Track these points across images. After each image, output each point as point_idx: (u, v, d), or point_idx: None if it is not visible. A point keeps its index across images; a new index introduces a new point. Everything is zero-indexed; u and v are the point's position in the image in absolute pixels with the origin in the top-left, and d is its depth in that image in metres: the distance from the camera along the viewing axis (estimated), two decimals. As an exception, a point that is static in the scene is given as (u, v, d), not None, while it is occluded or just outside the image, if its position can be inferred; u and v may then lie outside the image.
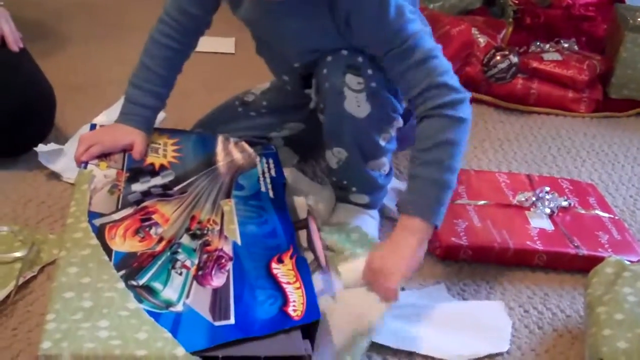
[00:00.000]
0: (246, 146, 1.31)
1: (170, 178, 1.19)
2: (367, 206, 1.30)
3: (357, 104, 1.16)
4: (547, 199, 1.37)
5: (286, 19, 1.17)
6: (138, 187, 1.16)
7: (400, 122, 1.23)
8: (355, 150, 1.22)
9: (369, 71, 1.15)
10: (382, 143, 1.22)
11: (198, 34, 1.32)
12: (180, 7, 1.28)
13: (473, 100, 1.80)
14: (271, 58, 1.33)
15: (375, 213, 1.31)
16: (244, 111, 1.43)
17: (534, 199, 1.37)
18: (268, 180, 1.22)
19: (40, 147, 1.39)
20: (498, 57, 1.78)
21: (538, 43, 1.97)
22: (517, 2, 1.83)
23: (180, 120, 1.50)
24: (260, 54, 1.34)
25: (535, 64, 1.88)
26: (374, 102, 1.17)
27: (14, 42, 1.44)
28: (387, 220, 1.33)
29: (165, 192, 1.16)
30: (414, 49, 1.09)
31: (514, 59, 1.79)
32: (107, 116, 1.50)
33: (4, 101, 1.36)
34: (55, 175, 1.38)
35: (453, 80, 1.09)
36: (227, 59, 1.98)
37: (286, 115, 1.42)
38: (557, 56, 1.91)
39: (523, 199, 1.37)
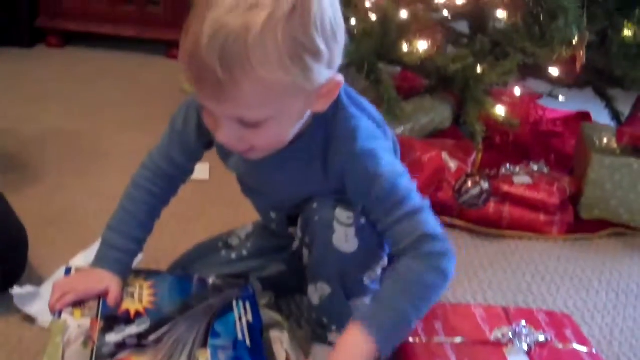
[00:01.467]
0: (224, 286, 1.30)
1: (146, 326, 1.18)
2: None
3: (345, 239, 1.17)
4: (524, 334, 1.36)
5: (278, 172, 1.19)
6: (112, 337, 1.14)
7: (385, 261, 1.24)
8: (339, 286, 1.22)
9: (360, 206, 1.17)
10: (367, 282, 1.22)
11: (180, 182, 1.34)
12: (167, 154, 1.29)
13: (446, 225, 1.86)
14: (259, 200, 1.35)
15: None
16: (226, 254, 1.44)
17: (510, 334, 1.36)
18: (245, 326, 1.21)
19: (16, 290, 1.38)
20: (469, 184, 1.81)
21: (508, 166, 2.00)
22: (488, 130, 1.86)
23: (154, 253, 1.50)
24: (246, 195, 1.36)
25: (506, 188, 1.91)
26: (362, 237, 1.18)
27: None
28: None
29: (140, 342, 1.14)
30: (403, 204, 1.12)
31: (485, 185, 1.81)
32: (85, 258, 1.48)
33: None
34: (29, 319, 1.36)
35: (436, 230, 1.12)
36: (201, 186, 1.99)
37: (268, 258, 1.42)
38: (527, 179, 1.94)
39: (500, 335, 1.36)
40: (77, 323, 1.17)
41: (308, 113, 1.11)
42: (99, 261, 1.27)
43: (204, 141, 1.27)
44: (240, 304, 1.27)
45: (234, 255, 1.43)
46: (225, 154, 1.26)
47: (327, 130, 1.15)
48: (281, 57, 0.97)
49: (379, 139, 1.17)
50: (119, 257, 1.27)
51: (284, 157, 1.15)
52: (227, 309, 1.25)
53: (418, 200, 1.14)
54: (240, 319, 1.23)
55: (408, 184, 1.14)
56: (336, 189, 1.17)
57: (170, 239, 1.50)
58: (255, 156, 1.13)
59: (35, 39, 3.21)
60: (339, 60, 1.06)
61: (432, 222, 1.13)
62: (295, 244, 1.29)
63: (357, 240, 1.17)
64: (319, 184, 1.18)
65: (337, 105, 1.14)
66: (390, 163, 1.15)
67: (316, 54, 1.01)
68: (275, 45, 0.96)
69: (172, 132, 1.29)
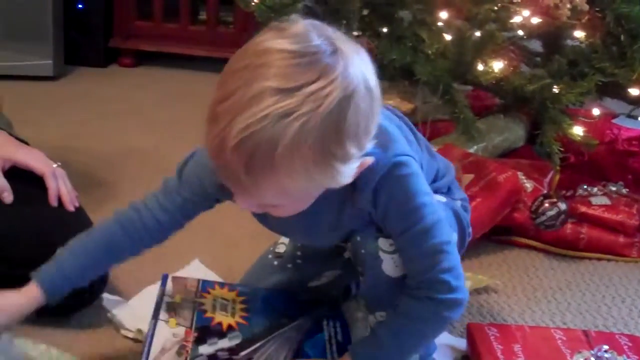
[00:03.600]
0: (313, 303, 1.32)
1: (237, 341, 1.21)
2: None
3: (394, 265, 1.16)
4: (607, 358, 1.34)
5: (312, 225, 1.17)
6: (205, 349, 1.18)
7: None
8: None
9: None
10: None
11: (166, 234, 1.27)
12: (162, 205, 1.23)
13: (522, 246, 1.84)
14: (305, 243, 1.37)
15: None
16: (280, 264, 1.43)
17: (593, 359, 1.34)
18: (334, 347, 1.22)
19: (106, 295, 1.42)
20: (546, 205, 1.79)
21: (585, 187, 1.97)
22: (563, 149, 1.84)
23: (229, 272, 1.51)
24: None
25: (583, 209, 1.88)
26: None
27: (70, 202, 1.47)
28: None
29: (231, 357, 1.17)
30: (427, 236, 1.10)
31: (563, 206, 1.79)
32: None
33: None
34: (107, 334, 1.39)
35: (456, 279, 1.11)
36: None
37: (323, 264, 1.42)
38: (605, 200, 1.91)
39: (582, 359, 1.34)
40: (172, 332, 1.20)
41: None
42: (38, 272, 1.22)
43: (222, 196, 1.20)
44: (331, 323, 1.27)
45: (289, 265, 1.42)
46: (260, 217, 1.22)
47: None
48: (308, 169, 0.93)
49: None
50: (58, 276, 1.21)
51: (313, 212, 1.10)
52: (317, 328, 1.26)
53: (443, 237, 1.11)
54: (329, 339, 1.24)
55: (437, 216, 1.11)
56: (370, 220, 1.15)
57: (245, 257, 1.52)
58: (279, 214, 1.08)
59: (109, 59, 3.28)
60: (368, 143, 0.99)
61: (451, 263, 1.11)
62: (347, 254, 1.29)
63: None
64: (360, 219, 1.16)
65: None
66: (427, 193, 1.12)
67: (347, 159, 0.96)
68: (303, 158, 0.92)
69: (182, 178, 1.24)
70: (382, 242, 1.15)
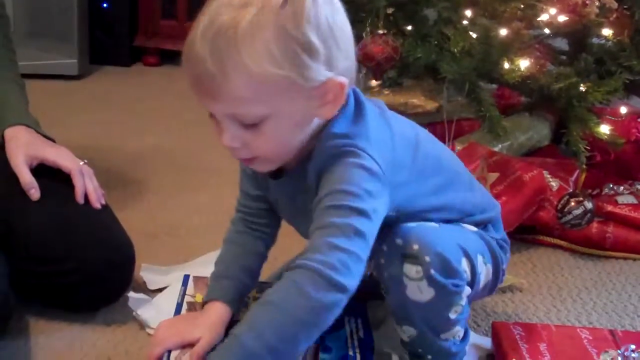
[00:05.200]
0: None
1: None
2: None
3: (419, 291, 1.13)
4: (634, 358, 1.33)
5: (292, 202, 1.18)
6: None
7: (468, 290, 1.19)
8: (424, 328, 1.18)
9: (427, 258, 1.12)
10: (453, 316, 1.18)
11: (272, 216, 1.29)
12: (244, 193, 1.28)
13: (548, 245, 1.83)
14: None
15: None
16: None
17: (620, 359, 1.33)
18: (356, 343, 1.22)
19: (131, 294, 1.43)
20: (572, 204, 1.78)
21: (611, 185, 1.96)
22: (589, 148, 1.83)
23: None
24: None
25: (609, 208, 1.87)
26: (436, 286, 1.13)
27: (97, 199, 1.48)
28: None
29: None
30: (338, 212, 1.03)
31: (589, 205, 1.78)
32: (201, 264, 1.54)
33: (85, 257, 1.40)
34: (132, 331, 1.40)
35: (344, 263, 1.00)
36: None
37: None
38: (631, 199, 1.90)
39: (609, 359, 1.33)
40: None
41: (315, 122, 1.08)
42: (208, 295, 1.22)
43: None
44: (352, 320, 1.27)
45: None
46: (263, 186, 1.24)
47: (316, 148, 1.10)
48: (271, 50, 0.98)
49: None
50: (227, 285, 1.22)
51: (292, 185, 1.15)
52: (339, 324, 1.25)
53: (357, 224, 1.03)
54: (351, 334, 1.23)
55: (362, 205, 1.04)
56: None
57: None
58: (263, 167, 1.13)
59: (134, 58, 3.30)
60: (342, 64, 1.04)
61: (344, 247, 1.01)
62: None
63: (431, 289, 1.13)
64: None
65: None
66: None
67: (310, 50, 1.00)
68: (264, 37, 0.98)
69: (241, 172, 1.29)
70: (408, 269, 1.12)
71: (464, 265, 1.17)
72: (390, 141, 1.13)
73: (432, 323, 1.18)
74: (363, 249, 1.02)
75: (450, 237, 1.17)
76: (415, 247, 1.12)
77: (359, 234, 1.02)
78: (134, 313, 1.42)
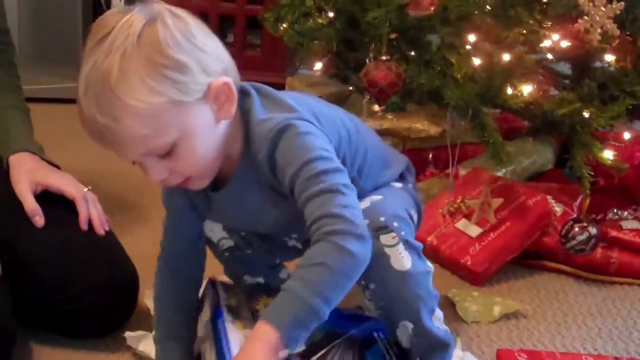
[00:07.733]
0: (360, 316, 1.35)
1: (302, 347, 1.20)
2: None
3: (401, 256, 1.19)
4: (640, 386, 1.33)
5: (242, 205, 1.22)
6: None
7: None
8: (417, 307, 1.22)
9: (395, 224, 1.19)
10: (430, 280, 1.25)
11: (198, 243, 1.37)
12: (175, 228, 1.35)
13: (552, 271, 1.83)
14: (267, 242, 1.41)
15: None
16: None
17: (625, 386, 1.33)
18: (393, 357, 1.25)
19: (128, 334, 1.42)
20: (576, 229, 1.77)
21: (615, 210, 1.96)
22: (592, 172, 1.83)
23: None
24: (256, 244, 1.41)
25: (614, 233, 1.87)
26: (410, 247, 1.20)
27: (100, 225, 1.49)
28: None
29: None
30: (319, 179, 1.10)
31: (593, 231, 1.77)
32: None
33: (88, 283, 1.40)
34: (137, 359, 1.40)
35: (354, 215, 1.09)
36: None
37: None
38: (636, 224, 1.90)
39: (615, 386, 1.33)
40: (242, 333, 1.21)
41: (224, 125, 1.13)
42: None
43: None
44: (381, 334, 1.29)
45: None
46: (203, 207, 1.28)
47: (248, 141, 1.16)
48: (147, 83, 1.03)
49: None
50: (174, 347, 1.30)
51: (239, 188, 1.19)
52: (370, 340, 1.28)
53: (337, 179, 1.11)
54: (386, 349, 1.26)
55: (332, 164, 1.13)
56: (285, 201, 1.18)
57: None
58: (199, 184, 1.16)
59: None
60: (217, 66, 1.09)
61: (347, 202, 1.09)
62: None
63: (407, 252, 1.19)
64: (286, 201, 1.17)
65: (243, 112, 1.16)
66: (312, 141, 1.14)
67: (180, 68, 1.05)
68: (137, 75, 1.02)
69: (170, 210, 1.35)
70: (385, 239, 1.18)
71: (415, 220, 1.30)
72: (308, 98, 1.26)
73: (420, 293, 1.22)
74: (355, 196, 1.12)
75: (395, 201, 1.26)
76: (382, 219, 1.19)
77: (347, 186, 1.11)
78: (136, 350, 1.41)
